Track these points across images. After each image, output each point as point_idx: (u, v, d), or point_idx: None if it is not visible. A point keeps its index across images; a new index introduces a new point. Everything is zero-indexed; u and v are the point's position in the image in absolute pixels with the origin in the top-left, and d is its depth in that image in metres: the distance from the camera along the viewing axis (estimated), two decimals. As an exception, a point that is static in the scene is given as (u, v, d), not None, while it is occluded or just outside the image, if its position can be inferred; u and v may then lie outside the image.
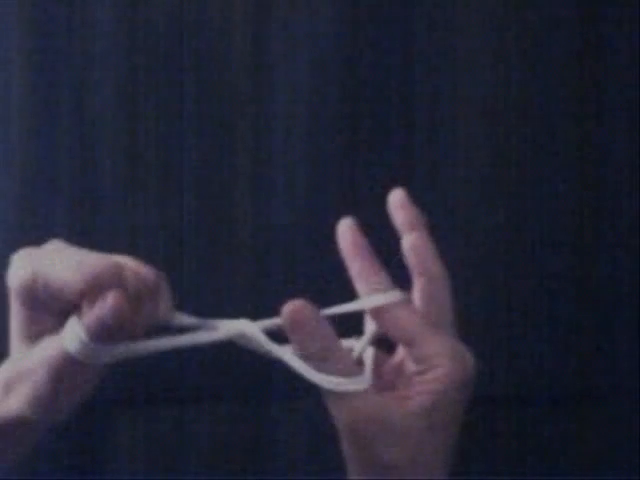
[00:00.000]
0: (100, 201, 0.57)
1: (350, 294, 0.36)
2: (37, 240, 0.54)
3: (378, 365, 0.38)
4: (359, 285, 0.36)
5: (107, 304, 0.33)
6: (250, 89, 0.58)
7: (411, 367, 0.35)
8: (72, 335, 0.34)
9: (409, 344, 0.35)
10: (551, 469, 0.57)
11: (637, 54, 0.58)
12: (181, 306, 0.39)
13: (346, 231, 0.37)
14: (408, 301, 0.36)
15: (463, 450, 0.57)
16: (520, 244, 0.58)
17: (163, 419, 0.57)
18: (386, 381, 0.37)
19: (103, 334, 0.33)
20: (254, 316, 0.38)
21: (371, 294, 0.36)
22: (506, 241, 0.57)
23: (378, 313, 0.36)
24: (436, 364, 0.34)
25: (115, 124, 0.57)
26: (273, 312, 0.36)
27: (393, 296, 0.35)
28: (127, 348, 0.35)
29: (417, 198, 0.58)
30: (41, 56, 0.57)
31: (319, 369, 0.35)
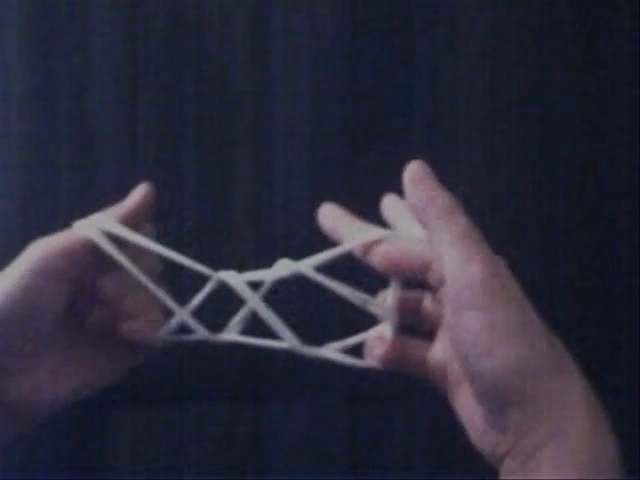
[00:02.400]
0: (100, 201, 0.57)
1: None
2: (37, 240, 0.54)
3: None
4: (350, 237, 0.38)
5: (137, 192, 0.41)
6: (250, 89, 0.58)
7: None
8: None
9: (425, 268, 0.35)
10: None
11: (637, 54, 0.58)
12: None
13: (326, 212, 0.39)
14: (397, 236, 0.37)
15: (462, 450, 0.57)
16: (520, 246, 0.58)
17: (163, 419, 0.57)
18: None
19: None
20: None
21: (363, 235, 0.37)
22: (507, 243, 0.57)
23: (377, 251, 0.36)
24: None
25: (115, 124, 0.57)
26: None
27: (386, 232, 0.37)
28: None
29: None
30: (41, 56, 0.57)
31: (446, 223, 0.34)
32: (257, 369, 0.57)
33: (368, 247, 0.37)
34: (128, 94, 0.57)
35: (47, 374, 0.38)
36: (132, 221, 0.41)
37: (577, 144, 0.59)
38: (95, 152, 0.57)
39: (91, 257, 0.39)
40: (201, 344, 0.40)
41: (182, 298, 0.40)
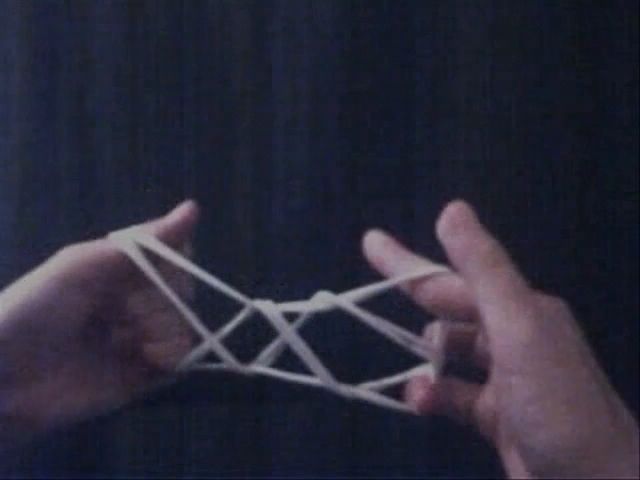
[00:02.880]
0: (100, 201, 0.57)
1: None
2: (37, 240, 0.54)
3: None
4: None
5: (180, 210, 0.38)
6: (250, 89, 0.58)
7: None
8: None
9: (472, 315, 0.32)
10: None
11: (637, 54, 0.58)
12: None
13: (371, 240, 0.36)
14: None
15: (462, 450, 0.57)
16: (520, 246, 0.58)
17: (163, 419, 0.57)
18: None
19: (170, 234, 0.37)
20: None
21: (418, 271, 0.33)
22: (507, 242, 0.57)
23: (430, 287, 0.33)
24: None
25: (115, 124, 0.57)
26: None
27: (439, 268, 0.33)
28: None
29: (417, 197, 0.59)
30: (41, 56, 0.57)
31: (488, 274, 0.31)
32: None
33: (416, 283, 0.33)
34: (128, 94, 0.57)
35: (57, 388, 0.36)
36: (171, 239, 0.38)
37: (577, 144, 0.59)
38: (95, 152, 0.57)
39: (122, 271, 0.37)
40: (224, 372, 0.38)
41: (210, 325, 0.38)
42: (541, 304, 0.31)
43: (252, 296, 0.38)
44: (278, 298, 0.39)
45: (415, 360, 0.36)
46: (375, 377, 0.36)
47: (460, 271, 0.32)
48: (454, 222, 0.32)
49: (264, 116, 0.58)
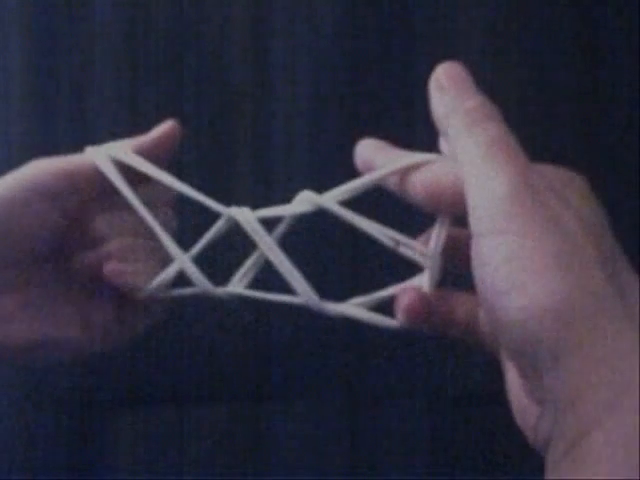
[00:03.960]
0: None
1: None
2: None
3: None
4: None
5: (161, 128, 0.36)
6: (250, 89, 0.58)
7: None
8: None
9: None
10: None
11: (637, 53, 0.58)
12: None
13: (365, 143, 0.32)
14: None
15: (462, 450, 0.57)
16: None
17: (163, 419, 0.57)
18: None
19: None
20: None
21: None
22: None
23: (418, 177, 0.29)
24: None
25: (115, 124, 0.57)
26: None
27: (429, 155, 0.29)
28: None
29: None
30: (41, 56, 0.57)
31: (471, 131, 0.27)
32: (257, 369, 0.57)
33: (406, 175, 0.29)
34: (128, 94, 0.57)
35: (16, 305, 0.34)
36: (151, 156, 0.36)
37: (577, 144, 0.59)
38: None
39: (94, 187, 0.34)
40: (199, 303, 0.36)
41: (184, 248, 0.35)
42: (543, 171, 0.26)
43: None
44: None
45: (411, 273, 0.31)
46: (364, 293, 0.32)
47: (443, 134, 0.28)
48: (440, 81, 0.29)
49: (264, 116, 0.58)
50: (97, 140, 0.57)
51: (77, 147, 0.58)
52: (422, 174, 0.29)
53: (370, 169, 0.31)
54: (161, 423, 0.57)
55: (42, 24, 0.57)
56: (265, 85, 0.58)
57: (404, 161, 0.29)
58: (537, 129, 0.58)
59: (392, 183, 0.30)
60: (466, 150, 0.26)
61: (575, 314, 0.22)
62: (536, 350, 0.23)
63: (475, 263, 0.25)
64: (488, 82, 0.59)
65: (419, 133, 0.58)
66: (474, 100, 0.28)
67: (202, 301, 0.37)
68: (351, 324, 0.35)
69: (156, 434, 0.57)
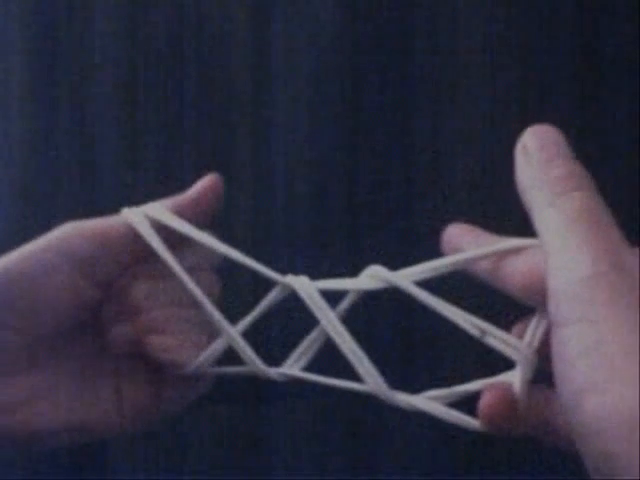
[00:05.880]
0: (100, 201, 0.57)
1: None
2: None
3: None
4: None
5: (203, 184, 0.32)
6: (250, 89, 0.58)
7: None
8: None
9: None
10: (552, 469, 0.57)
11: (637, 53, 0.58)
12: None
13: (452, 229, 0.29)
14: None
15: (462, 450, 0.57)
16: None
17: (163, 419, 0.57)
18: None
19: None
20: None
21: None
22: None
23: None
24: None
25: (115, 124, 0.57)
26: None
27: (528, 241, 0.26)
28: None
29: (418, 198, 0.59)
30: (41, 56, 0.57)
31: (554, 203, 0.23)
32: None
33: (501, 261, 0.26)
34: (128, 93, 0.57)
35: (40, 384, 0.30)
36: (189, 216, 0.32)
37: (577, 144, 0.58)
38: (95, 152, 0.57)
39: (129, 251, 0.31)
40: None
41: (231, 322, 0.32)
42: (616, 237, 0.22)
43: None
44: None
45: (495, 366, 0.28)
46: (437, 384, 0.29)
47: (526, 204, 0.25)
48: (527, 146, 0.25)
49: (264, 116, 0.58)
50: (97, 141, 0.57)
51: (77, 147, 0.58)
52: (521, 260, 0.25)
53: (457, 251, 0.28)
54: (161, 423, 0.57)
55: (42, 24, 0.57)
56: (265, 87, 0.58)
57: (500, 245, 0.26)
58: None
59: (482, 270, 0.27)
60: (548, 225, 0.23)
61: None
62: (612, 468, 0.19)
63: (554, 357, 0.22)
64: (489, 83, 0.60)
65: (419, 132, 0.58)
66: (563, 168, 0.24)
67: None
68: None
69: (156, 434, 0.57)
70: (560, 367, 0.22)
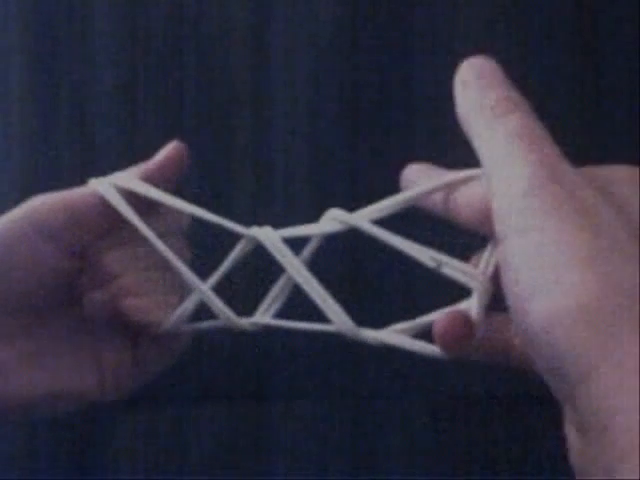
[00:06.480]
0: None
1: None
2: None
3: None
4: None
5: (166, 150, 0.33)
6: (250, 89, 0.58)
7: None
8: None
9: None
10: (552, 469, 0.57)
11: (637, 53, 0.58)
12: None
13: (410, 168, 0.31)
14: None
15: (462, 450, 0.57)
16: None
17: (163, 419, 0.57)
18: None
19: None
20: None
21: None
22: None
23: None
24: None
25: (115, 124, 0.57)
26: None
27: (474, 171, 0.27)
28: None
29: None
30: (41, 55, 0.57)
31: (491, 126, 0.24)
32: (257, 369, 0.57)
33: (451, 194, 0.26)
34: (128, 93, 0.57)
35: (17, 355, 0.31)
36: (157, 183, 0.33)
37: (577, 144, 0.59)
38: (95, 151, 0.57)
39: (99, 220, 0.32)
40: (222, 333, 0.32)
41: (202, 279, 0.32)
42: (589, 171, 0.23)
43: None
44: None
45: (451, 298, 0.28)
46: (402, 318, 0.29)
47: (466, 132, 0.25)
48: (464, 76, 0.26)
49: (264, 117, 0.58)
50: (96, 139, 0.57)
51: (77, 147, 0.58)
52: (470, 190, 0.26)
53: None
54: (161, 423, 0.57)
55: (42, 24, 0.57)
56: (265, 86, 0.58)
57: (445, 178, 0.27)
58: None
59: (435, 203, 0.28)
60: (487, 148, 0.24)
61: (606, 317, 0.19)
62: (564, 364, 0.20)
63: (501, 270, 0.23)
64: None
65: (420, 132, 0.58)
66: (499, 92, 0.25)
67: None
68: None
69: (156, 434, 0.57)
70: (507, 277, 0.22)
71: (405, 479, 0.58)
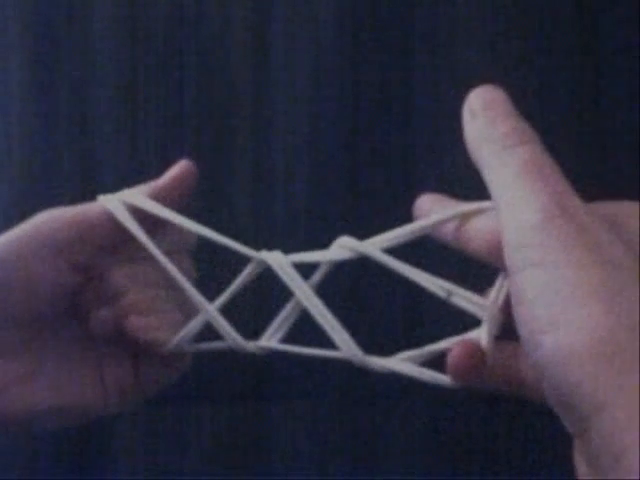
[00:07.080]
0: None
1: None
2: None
3: None
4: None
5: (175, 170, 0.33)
6: (250, 89, 0.58)
7: None
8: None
9: None
10: (552, 469, 0.57)
11: (637, 53, 0.58)
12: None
13: (423, 199, 0.31)
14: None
15: (461, 450, 0.57)
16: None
17: (163, 419, 0.57)
18: None
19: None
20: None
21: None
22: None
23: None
24: None
25: (115, 124, 0.57)
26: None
27: (486, 204, 0.27)
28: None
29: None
30: (41, 55, 0.57)
31: (501, 158, 0.25)
32: (257, 369, 0.57)
33: (463, 225, 0.27)
34: (128, 94, 0.57)
35: (20, 371, 0.30)
36: (165, 202, 0.33)
37: (577, 144, 0.59)
38: (95, 151, 0.57)
39: (106, 237, 0.32)
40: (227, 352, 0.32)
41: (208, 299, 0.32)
42: (598, 207, 0.24)
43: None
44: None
45: (462, 326, 0.28)
46: (410, 346, 0.29)
47: (475, 162, 0.26)
48: (472, 107, 0.26)
49: (264, 117, 0.58)
50: (96, 139, 0.57)
51: (77, 148, 0.58)
52: (482, 222, 0.26)
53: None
54: (162, 423, 0.57)
55: (43, 24, 0.57)
56: (265, 86, 0.58)
57: (457, 209, 0.27)
58: (537, 129, 0.58)
59: (447, 234, 0.28)
60: (496, 180, 0.24)
61: (618, 353, 0.20)
62: (577, 397, 0.20)
63: (512, 303, 0.23)
64: (489, 79, 0.60)
65: (419, 134, 0.58)
66: (508, 124, 0.25)
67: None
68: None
69: (157, 434, 0.57)
70: (518, 311, 0.23)
71: (405, 479, 0.58)
